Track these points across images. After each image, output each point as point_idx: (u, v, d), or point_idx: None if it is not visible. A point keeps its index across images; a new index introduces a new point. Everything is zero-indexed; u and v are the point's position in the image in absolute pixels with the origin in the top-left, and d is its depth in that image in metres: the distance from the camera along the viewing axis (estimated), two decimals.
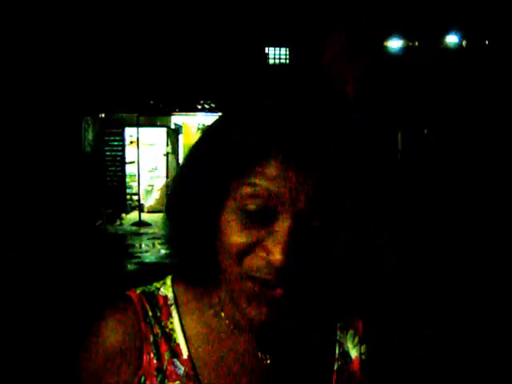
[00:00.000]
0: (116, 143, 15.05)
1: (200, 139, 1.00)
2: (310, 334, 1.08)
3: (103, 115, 14.53)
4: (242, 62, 14.36)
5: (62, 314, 5.03)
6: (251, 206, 0.88)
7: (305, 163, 0.87)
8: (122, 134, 15.09)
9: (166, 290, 1.07)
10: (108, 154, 14.96)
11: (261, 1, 14.10)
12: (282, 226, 0.88)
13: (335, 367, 1.08)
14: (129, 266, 8.48)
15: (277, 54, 15.84)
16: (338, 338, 1.10)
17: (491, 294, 4.79)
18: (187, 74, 14.13)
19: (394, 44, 14.22)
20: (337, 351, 1.09)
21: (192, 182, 0.97)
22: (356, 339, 1.11)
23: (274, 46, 15.78)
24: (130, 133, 15.25)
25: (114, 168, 15.06)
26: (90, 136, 13.71)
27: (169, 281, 1.08)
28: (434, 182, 9.80)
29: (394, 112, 13.23)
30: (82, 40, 11.15)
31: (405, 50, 14.14)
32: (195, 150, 0.99)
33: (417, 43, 14.10)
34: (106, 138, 14.88)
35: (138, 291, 1.06)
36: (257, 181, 0.88)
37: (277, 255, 0.87)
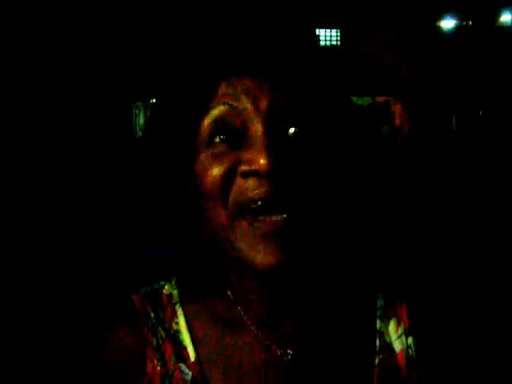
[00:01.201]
0: None
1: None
2: (342, 320, 0.99)
3: (154, 100, 14.58)
4: (293, 44, 14.28)
5: (62, 315, 5.04)
6: (212, 128, 0.83)
7: (261, 74, 0.83)
8: None
9: (171, 287, 1.01)
10: None
11: None
12: (255, 129, 0.82)
13: (376, 361, 0.98)
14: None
15: (327, 36, 15.73)
16: (378, 328, 1.01)
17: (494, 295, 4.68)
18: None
19: (447, 24, 13.99)
20: (377, 343, 1.00)
21: (155, 138, 0.92)
22: (400, 330, 1.01)
23: (325, 27, 15.65)
24: None
25: None
26: (141, 121, 13.75)
27: (174, 277, 1.02)
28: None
29: (448, 93, 13.03)
30: (133, 25, 11.19)
31: (458, 29, 13.90)
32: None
33: (470, 23, 13.85)
34: None
35: (141, 292, 1.01)
36: (217, 106, 0.83)
37: (259, 159, 0.80)
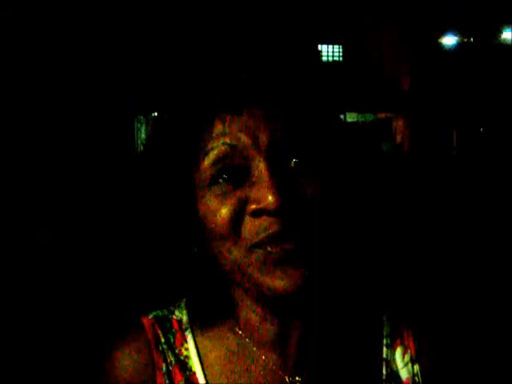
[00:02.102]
0: None
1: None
2: (350, 348, 0.97)
3: (156, 114, 14.59)
4: (295, 60, 14.28)
5: (72, 335, 5.00)
6: (214, 170, 0.81)
7: (258, 108, 0.80)
8: None
9: (181, 312, 0.97)
10: None
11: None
12: (258, 167, 0.79)
13: None
14: None
15: (330, 52, 15.73)
16: (384, 356, 0.98)
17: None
18: (241, 69, 14.10)
19: (449, 41, 14.00)
20: (384, 371, 0.97)
21: (150, 179, 0.90)
22: (406, 357, 0.96)
23: (327, 43, 15.66)
24: None
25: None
26: (143, 135, 13.77)
27: (183, 303, 1.00)
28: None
29: (449, 109, 13.03)
30: (136, 39, 11.20)
31: (459, 46, 13.91)
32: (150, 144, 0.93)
33: (471, 39, 13.85)
34: None
35: (150, 316, 0.98)
36: (216, 148, 0.80)
37: (267, 197, 0.77)
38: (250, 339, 0.94)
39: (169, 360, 0.94)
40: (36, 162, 8.31)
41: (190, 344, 0.96)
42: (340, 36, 15.20)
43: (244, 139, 0.81)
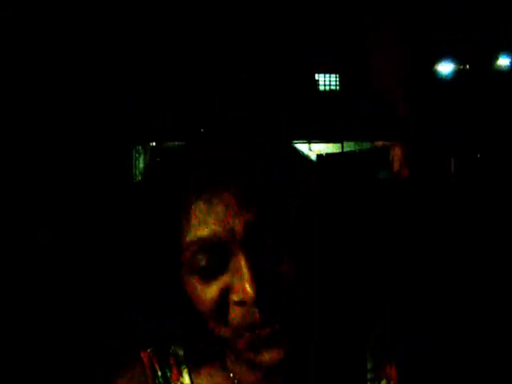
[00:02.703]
0: None
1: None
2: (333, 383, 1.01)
3: (154, 144, 14.70)
4: (292, 88, 14.41)
5: (69, 366, 5.02)
6: (197, 262, 0.86)
7: (229, 195, 0.84)
8: None
9: (177, 348, 1.04)
10: None
11: (310, 27, 14.18)
12: (237, 260, 0.84)
13: None
14: None
15: (327, 81, 15.86)
16: None
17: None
18: (237, 104, 14.24)
19: (445, 68, 14.12)
20: None
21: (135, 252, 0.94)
22: None
23: (324, 73, 15.79)
24: None
25: None
26: (141, 165, 13.86)
27: (180, 339, 1.05)
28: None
29: (447, 136, 13.13)
30: (133, 70, 11.32)
31: (456, 73, 14.03)
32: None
33: (468, 66, 13.98)
34: None
35: (149, 350, 1.03)
36: (193, 243, 0.85)
37: (246, 289, 0.83)
38: (238, 382, 0.98)
39: None
40: (37, 166, 8.41)
41: (186, 379, 1.00)
42: (337, 65, 15.35)
43: (219, 230, 0.85)
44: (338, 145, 15.07)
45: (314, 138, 13.97)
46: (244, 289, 0.81)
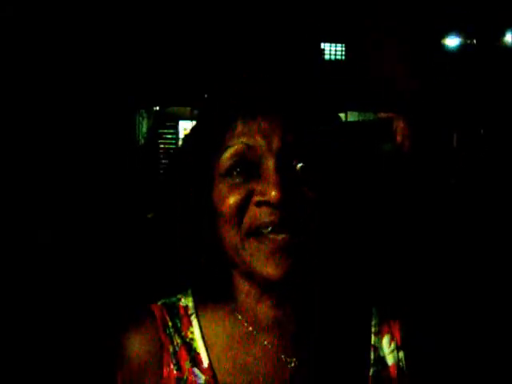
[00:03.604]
0: (170, 136, 15.13)
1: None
2: (341, 334, 1.06)
3: (157, 108, 14.64)
4: (298, 57, 14.32)
5: (83, 320, 5.05)
6: (231, 163, 0.92)
7: (274, 115, 0.92)
8: (175, 127, 15.18)
9: (187, 299, 1.09)
10: (161, 146, 15.07)
11: None
12: (267, 165, 0.92)
13: (370, 373, 1.05)
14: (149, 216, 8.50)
15: (332, 50, 15.73)
16: (372, 343, 1.08)
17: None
18: (242, 68, 14.13)
19: (452, 42, 14.02)
20: (372, 356, 1.06)
21: (180, 166, 1.02)
22: (392, 345, 1.07)
23: (330, 42, 15.66)
24: (183, 126, 15.35)
25: (167, 161, 15.15)
26: (144, 129, 13.85)
27: (190, 291, 1.10)
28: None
29: (451, 110, 13.06)
30: (138, 33, 11.26)
31: (462, 47, 13.94)
32: (185, 138, 1.06)
33: (474, 41, 13.88)
34: (160, 131, 14.98)
35: (159, 303, 1.08)
36: (235, 144, 0.92)
37: (271, 192, 0.90)
38: (248, 323, 1.04)
39: (175, 342, 1.04)
40: (36, 161, 8.37)
41: (195, 328, 1.06)
42: (343, 34, 15.23)
43: (259, 140, 0.93)
44: (342, 115, 15.01)
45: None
46: (269, 190, 0.87)
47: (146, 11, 11.51)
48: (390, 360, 1.06)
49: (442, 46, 13.99)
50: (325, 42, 15.55)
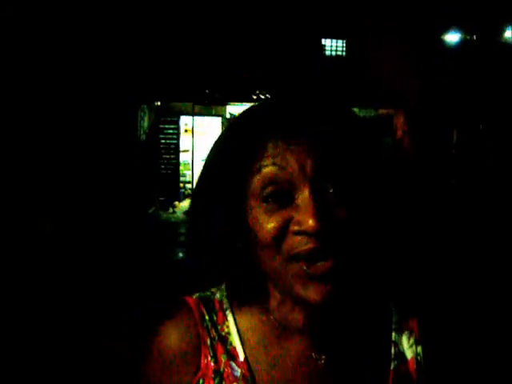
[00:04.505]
0: (171, 131, 15.13)
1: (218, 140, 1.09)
2: (365, 332, 1.11)
3: (159, 103, 14.63)
4: (299, 53, 14.29)
5: (126, 312, 5.09)
6: (269, 190, 0.96)
7: (305, 138, 0.95)
8: (177, 123, 15.18)
9: (221, 295, 1.14)
10: (163, 142, 15.04)
11: None
12: (303, 194, 0.95)
13: (392, 367, 1.10)
14: (180, 254, 8.55)
15: (333, 46, 15.70)
16: (393, 339, 1.13)
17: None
18: (244, 64, 14.13)
19: (452, 38, 14.02)
20: (392, 351, 1.12)
21: (210, 186, 1.05)
22: (411, 340, 1.13)
23: (331, 38, 15.62)
24: (184, 121, 15.34)
25: (168, 156, 15.15)
26: (146, 124, 13.85)
27: (223, 286, 1.15)
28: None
29: (450, 106, 13.05)
30: (140, 29, 11.25)
31: (462, 44, 13.92)
32: (213, 153, 1.08)
33: (474, 37, 13.87)
34: (161, 126, 14.97)
35: (194, 296, 1.13)
36: (267, 166, 0.96)
37: (309, 221, 0.93)
38: (281, 325, 1.09)
39: (212, 335, 1.09)
40: (38, 154, 8.38)
41: (231, 322, 1.12)
42: (343, 30, 15.20)
43: (292, 163, 0.98)
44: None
45: None
46: (306, 219, 0.91)
47: (147, 7, 11.51)
48: (409, 354, 1.11)
49: (442, 42, 13.98)
50: (326, 37, 15.52)
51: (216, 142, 1.07)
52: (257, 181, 0.97)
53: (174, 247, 9.07)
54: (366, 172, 1.01)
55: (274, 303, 1.08)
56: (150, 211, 13.08)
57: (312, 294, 0.96)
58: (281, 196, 0.96)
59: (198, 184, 1.09)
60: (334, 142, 0.97)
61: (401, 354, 1.12)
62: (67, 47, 9.15)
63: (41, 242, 6.63)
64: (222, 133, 1.07)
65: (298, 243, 0.94)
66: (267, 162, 0.96)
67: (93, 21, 9.66)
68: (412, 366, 1.12)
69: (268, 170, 0.96)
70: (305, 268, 0.94)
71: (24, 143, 8.13)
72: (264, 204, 0.97)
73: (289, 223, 0.95)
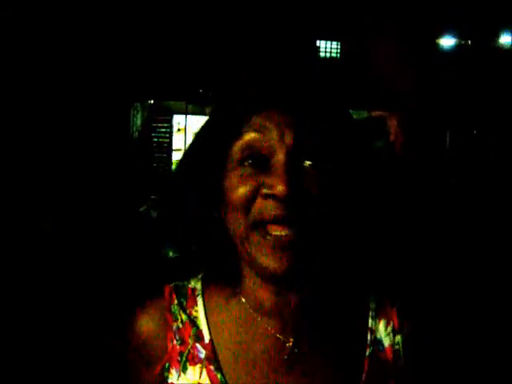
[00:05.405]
0: (163, 130, 15.10)
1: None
2: (339, 317, 1.10)
3: (152, 102, 14.63)
4: (294, 54, 14.32)
5: (98, 300, 5.11)
6: (244, 152, 0.96)
7: (288, 112, 0.95)
8: (169, 121, 15.15)
9: (196, 282, 1.18)
10: (155, 140, 15.04)
11: None
12: (278, 159, 0.95)
13: (367, 353, 1.10)
14: (170, 253, 8.51)
15: (328, 48, 15.75)
16: (369, 325, 1.13)
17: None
18: (238, 64, 14.15)
19: (447, 42, 14.05)
20: (368, 338, 1.12)
21: (195, 154, 1.06)
22: (389, 328, 1.13)
23: (326, 40, 15.67)
24: (177, 120, 15.34)
25: (160, 155, 15.15)
26: (138, 122, 13.84)
27: (200, 276, 1.18)
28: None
29: (444, 110, 13.10)
30: (134, 27, 11.26)
31: (457, 48, 13.97)
32: (200, 129, 1.09)
33: (470, 42, 13.92)
34: (154, 125, 14.95)
35: (172, 284, 1.15)
36: (247, 133, 0.96)
37: (278, 186, 0.94)
38: (251, 306, 1.09)
39: (180, 318, 1.09)
40: (34, 152, 8.39)
41: (200, 307, 1.13)
42: (338, 32, 15.25)
43: (273, 132, 0.97)
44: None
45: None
46: (278, 183, 0.90)
47: (141, 5, 11.52)
48: (386, 342, 1.12)
49: (437, 46, 14.03)
50: (320, 39, 15.57)
51: (207, 120, 1.10)
52: (237, 146, 0.99)
53: (164, 246, 8.99)
54: (344, 158, 1.02)
55: (245, 282, 1.09)
56: (142, 210, 13.06)
57: (271, 262, 0.97)
58: (257, 161, 0.98)
59: (185, 154, 1.12)
60: (317, 121, 0.99)
61: (377, 342, 1.12)
62: (62, 45, 9.14)
63: (41, 242, 6.64)
64: (212, 108, 1.10)
65: (265, 207, 0.97)
66: (249, 129, 0.97)
67: (87, 19, 9.65)
68: (389, 354, 1.11)
69: (248, 136, 0.99)
70: (267, 237, 0.95)
71: (22, 143, 8.14)
72: (240, 168, 0.99)
73: (260, 187, 0.96)
